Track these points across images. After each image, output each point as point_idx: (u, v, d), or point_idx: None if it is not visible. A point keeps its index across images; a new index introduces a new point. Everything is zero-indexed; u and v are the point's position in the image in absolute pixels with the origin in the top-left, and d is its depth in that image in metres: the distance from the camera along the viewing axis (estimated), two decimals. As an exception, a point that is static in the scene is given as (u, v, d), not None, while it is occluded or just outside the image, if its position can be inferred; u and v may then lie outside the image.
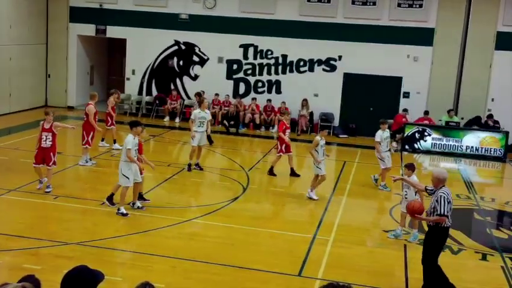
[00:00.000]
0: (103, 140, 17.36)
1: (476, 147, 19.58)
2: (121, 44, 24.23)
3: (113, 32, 23.77)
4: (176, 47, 23.51)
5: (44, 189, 12.52)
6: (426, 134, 19.88)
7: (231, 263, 9.46)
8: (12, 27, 21.53)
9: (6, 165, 14.60)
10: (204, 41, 23.12)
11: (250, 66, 23.04)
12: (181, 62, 23.61)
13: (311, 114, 22.32)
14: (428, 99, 21.68)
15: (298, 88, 22.33)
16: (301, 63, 22.63)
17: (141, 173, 12.00)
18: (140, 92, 23.95)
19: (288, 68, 22.78)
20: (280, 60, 22.80)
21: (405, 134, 19.98)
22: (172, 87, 23.57)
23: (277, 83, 22.94)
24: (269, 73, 22.96)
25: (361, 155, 18.93)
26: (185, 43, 23.37)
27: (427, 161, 19.35)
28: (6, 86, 21.77)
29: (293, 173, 15.45)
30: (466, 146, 19.62)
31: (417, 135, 19.93)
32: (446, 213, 8.25)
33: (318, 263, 9.69)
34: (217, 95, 22.79)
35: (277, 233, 11.24)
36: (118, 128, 17.85)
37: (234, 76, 23.23)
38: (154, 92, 23.92)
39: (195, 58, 23.44)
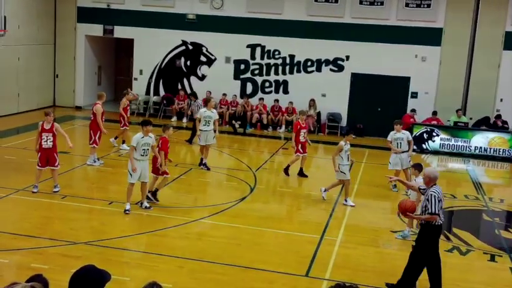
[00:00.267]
0: (116, 137, 17.32)
1: (484, 147, 19.49)
2: (128, 44, 24.28)
3: (121, 32, 23.83)
4: (183, 47, 23.53)
5: (52, 189, 12.55)
6: (434, 134, 19.80)
7: (238, 263, 9.45)
8: (21, 27, 21.62)
9: (14, 165, 14.65)
10: (211, 41, 23.13)
11: (257, 66, 23.02)
12: (188, 62, 23.63)
13: (319, 114, 22.28)
14: (436, 100, 21.60)
15: (305, 88, 22.30)
16: (309, 63, 22.60)
17: (166, 173, 12.16)
18: (147, 92, 23.99)
19: (295, 68, 22.75)
20: (287, 60, 22.77)
21: (414, 135, 19.86)
22: (180, 87, 23.60)
23: (285, 83, 22.91)
24: (276, 73, 22.94)
25: (368, 156, 18.87)
26: (192, 43, 23.38)
27: (435, 162, 19.26)
28: (14, 86, 21.86)
29: (301, 173, 15.42)
30: (475, 147, 19.52)
31: (425, 136, 19.86)
32: (436, 211, 8.28)
33: (326, 264, 9.67)
34: (224, 95, 22.79)
35: (284, 233, 11.22)
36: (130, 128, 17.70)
37: (241, 76, 23.23)
38: (162, 92, 23.96)
39: (202, 58, 23.46)
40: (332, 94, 22.38)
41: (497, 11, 20.86)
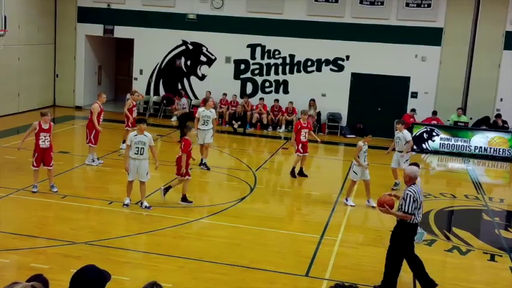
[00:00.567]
0: (124, 141, 17.30)
1: (484, 147, 19.49)
2: (128, 44, 24.29)
3: (121, 32, 23.83)
4: (183, 47, 23.53)
5: (49, 189, 12.55)
6: (434, 134, 19.80)
7: (238, 263, 9.45)
8: (21, 27, 21.62)
9: (14, 164, 14.65)
10: (212, 41, 23.13)
11: (257, 66, 23.02)
12: (188, 62, 23.63)
13: (319, 114, 22.29)
14: (436, 100, 21.60)
15: (305, 88, 22.30)
16: (309, 63, 22.60)
17: (188, 175, 12.26)
18: (147, 92, 23.99)
19: (295, 68, 22.75)
20: (287, 60, 22.77)
21: (413, 134, 19.87)
22: (180, 87, 23.59)
23: (285, 83, 22.91)
24: (276, 73, 22.95)
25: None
26: (192, 43, 23.39)
27: (435, 161, 19.27)
28: (14, 85, 21.86)
29: (301, 173, 15.42)
30: (475, 147, 19.52)
31: (425, 136, 19.86)
32: (410, 211, 8.36)
33: (326, 263, 9.67)
34: (224, 94, 22.79)
35: (285, 233, 11.23)
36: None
37: (242, 76, 23.23)
38: (162, 92, 23.96)
39: (203, 58, 23.46)
40: (332, 94, 22.37)
41: (498, 11, 20.86)
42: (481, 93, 21.20)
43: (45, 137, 12.33)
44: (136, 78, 24.15)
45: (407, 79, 21.76)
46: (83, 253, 9.44)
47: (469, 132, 19.74)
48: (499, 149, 19.42)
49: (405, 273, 9.46)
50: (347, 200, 13.16)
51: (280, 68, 22.88)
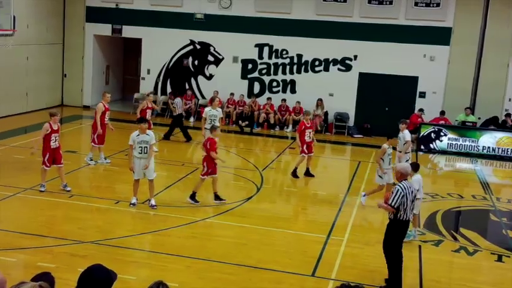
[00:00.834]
0: None
1: (492, 147, 19.38)
2: (136, 43, 24.34)
3: (129, 31, 23.88)
4: (191, 47, 23.56)
5: (61, 188, 12.60)
6: (442, 134, 19.72)
7: (245, 263, 9.46)
8: (30, 27, 21.71)
9: (22, 164, 14.71)
10: (219, 41, 23.14)
11: (265, 66, 23.01)
12: (196, 62, 23.66)
13: (326, 114, 22.25)
14: (444, 99, 21.51)
15: (313, 88, 22.26)
16: (317, 63, 22.57)
17: (214, 173, 12.23)
18: (155, 92, 24.00)
19: (303, 67, 22.72)
20: (295, 60, 22.75)
21: (421, 134, 19.83)
22: (187, 86, 23.63)
23: (292, 82, 22.90)
24: (284, 73, 22.93)
25: (376, 155, 18.78)
26: (200, 43, 23.41)
27: (443, 161, 19.20)
28: (23, 85, 21.96)
29: (308, 173, 15.40)
30: (482, 147, 19.43)
31: (433, 135, 19.78)
32: (394, 204, 8.43)
33: (332, 264, 9.66)
34: (232, 94, 22.80)
35: (291, 233, 11.22)
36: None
37: (249, 76, 23.22)
38: (169, 91, 23.97)
39: (210, 58, 23.48)
40: (339, 94, 22.33)
41: (507, 11, 20.74)
42: (489, 93, 21.09)
43: (55, 137, 12.42)
44: (143, 78, 24.20)
45: (415, 79, 21.69)
46: (90, 252, 9.47)
47: (477, 132, 19.65)
48: (507, 149, 19.31)
49: (411, 273, 9.45)
50: (364, 195, 13.15)
51: (287, 67, 22.86)
